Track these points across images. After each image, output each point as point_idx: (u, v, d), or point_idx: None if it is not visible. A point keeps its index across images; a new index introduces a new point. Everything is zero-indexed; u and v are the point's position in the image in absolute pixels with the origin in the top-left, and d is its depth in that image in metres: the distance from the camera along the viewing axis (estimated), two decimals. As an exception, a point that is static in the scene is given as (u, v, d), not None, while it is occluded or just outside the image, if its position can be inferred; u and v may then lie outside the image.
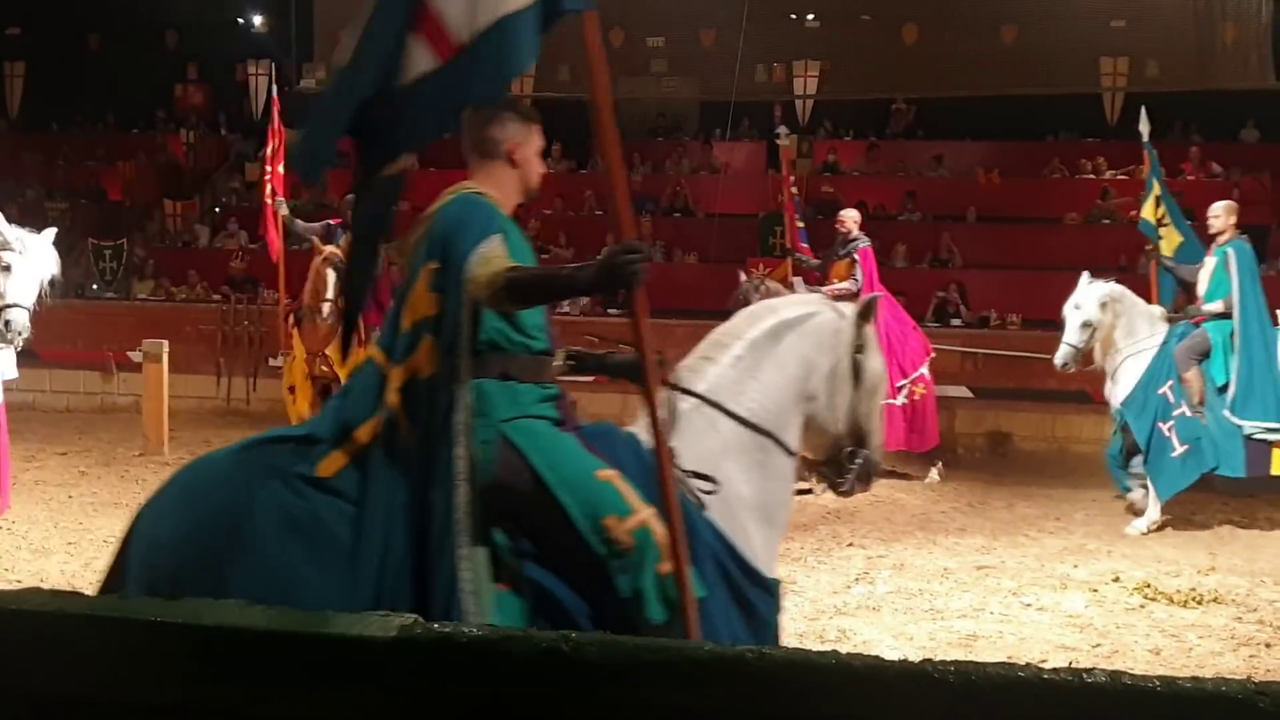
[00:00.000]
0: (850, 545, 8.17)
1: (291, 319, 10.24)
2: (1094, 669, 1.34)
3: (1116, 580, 7.26)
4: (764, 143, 18.98)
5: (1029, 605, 6.77)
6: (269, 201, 11.18)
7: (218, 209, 18.33)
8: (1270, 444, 8.49)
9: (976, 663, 1.34)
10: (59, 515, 8.48)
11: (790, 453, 3.59)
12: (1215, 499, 9.27)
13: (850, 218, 11.04)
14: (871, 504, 9.69)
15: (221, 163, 19.93)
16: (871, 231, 16.43)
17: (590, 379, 3.81)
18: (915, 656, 4.48)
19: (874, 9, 19.41)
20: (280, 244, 11.12)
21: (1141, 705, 1.32)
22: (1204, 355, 8.70)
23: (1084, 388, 11.67)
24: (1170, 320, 9.02)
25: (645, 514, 2.93)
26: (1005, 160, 17.62)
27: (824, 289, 10.52)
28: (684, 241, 16.39)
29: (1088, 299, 9.04)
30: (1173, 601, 6.85)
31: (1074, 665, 4.95)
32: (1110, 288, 9.07)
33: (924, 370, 10.62)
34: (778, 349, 3.63)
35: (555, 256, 16.20)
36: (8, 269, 7.07)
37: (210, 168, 19.66)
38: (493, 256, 2.92)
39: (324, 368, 9.80)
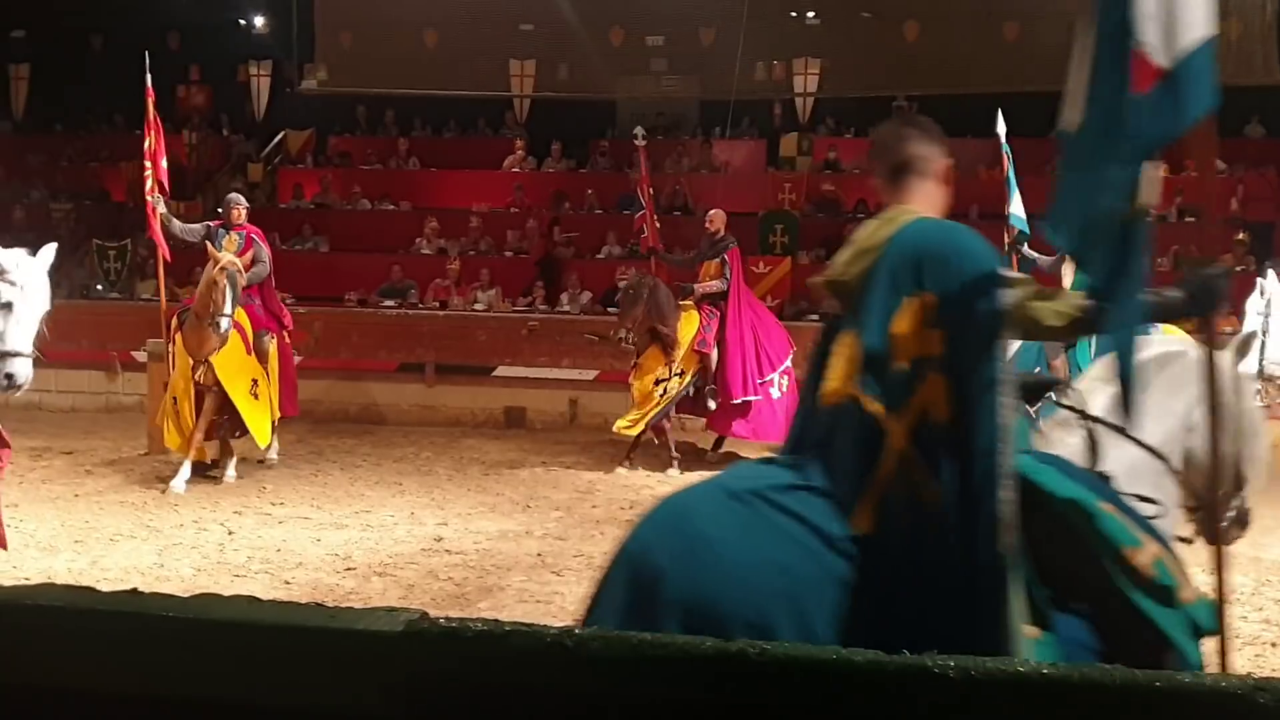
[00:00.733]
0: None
1: (175, 322, 9.88)
2: (1094, 664, 1.36)
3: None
4: (764, 141, 19.02)
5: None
6: (149, 199, 10.63)
7: (220, 209, 18.35)
8: None
9: (976, 658, 1.36)
10: (65, 514, 8.52)
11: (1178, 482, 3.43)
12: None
13: (719, 217, 11.36)
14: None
15: (224, 163, 19.96)
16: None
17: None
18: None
19: (874, 6, 19.42)
20: (165, 244, 10.75)
21: (1142, 700, 1.34)
22: (1071, 344, 9.20)
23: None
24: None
25: (1154, 546, 2.76)
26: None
27: (696, 286, 11.03)
28: (683, 240, 16.37)
29: None
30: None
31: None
32: None
33: (789, 363, 11.12)
34: (1164, 376, 3.49)
35: (555, 254, 16.26)
36: (7, 307, 5.87)
37: (213, 168, 19.69)
38: (1036, 289, 2.74)
39: (204, 377, 9.57)
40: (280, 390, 10.37)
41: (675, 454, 10.77)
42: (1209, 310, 2.90)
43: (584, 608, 2.74)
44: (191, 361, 9.57)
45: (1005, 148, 11.32)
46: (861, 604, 2.55)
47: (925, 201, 3.00)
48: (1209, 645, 2.84)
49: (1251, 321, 7.38)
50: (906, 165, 3.00)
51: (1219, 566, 2.76)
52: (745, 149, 18.92)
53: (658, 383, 10.60)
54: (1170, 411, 3.43)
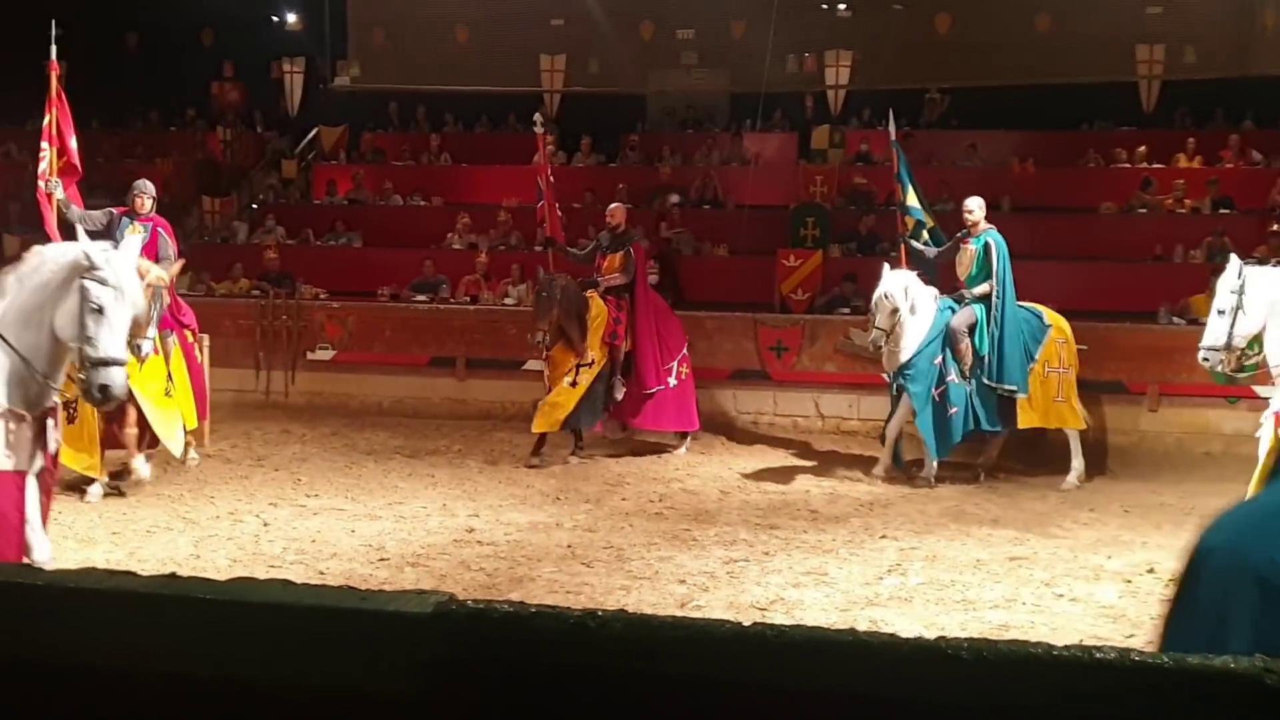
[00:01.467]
0: (883, 537, 8.21)
1: None
2: (1104, 645, 1.38)
3: (1151, 571, 7.25)
4: (795, 134, 18.98)
5: (1061, 596, 6.79)
6: (41, 184, 9.61)
7: (255, 205, 18.52)
8: (1015, 402, 10.04)
9: (989, 640, 1.39)
10: (103, 506, 8.66)
11: None
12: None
13: (620, 211, 11.44)
14: (904, 496, 9.73)
15: (258, 159, 20.14)
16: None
17: None
18: (945, 644, 4.50)
19: (906, -2, 19.37)
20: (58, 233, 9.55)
21: (1150, 681, 1.36)
22: (972, 329, 10.08)
23: (1119, 378, 11.65)
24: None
25: None
26: (1040, 150, 17.51)
27: (601, 279, 11.04)
28: (714, 233, 16.40)
29: (892, 286, 10.12)
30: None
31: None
32: (909, 275, 10.31)
33: (685, 352, 11.47)
34: None
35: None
36: (99, 311, 5.14)
37: (247, 164, 19.86)
38: None
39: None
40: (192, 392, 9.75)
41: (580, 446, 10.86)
42: None
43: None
44: None
45: (894, 144, 11.97)
46: None
47: None
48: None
49: (1223, 299, 7.57)
50: None
51: None
52: (776, 142, 18.89)
53: (567, 374, 10.63)
54: None
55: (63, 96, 10.30)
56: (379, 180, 18.09)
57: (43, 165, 9.72)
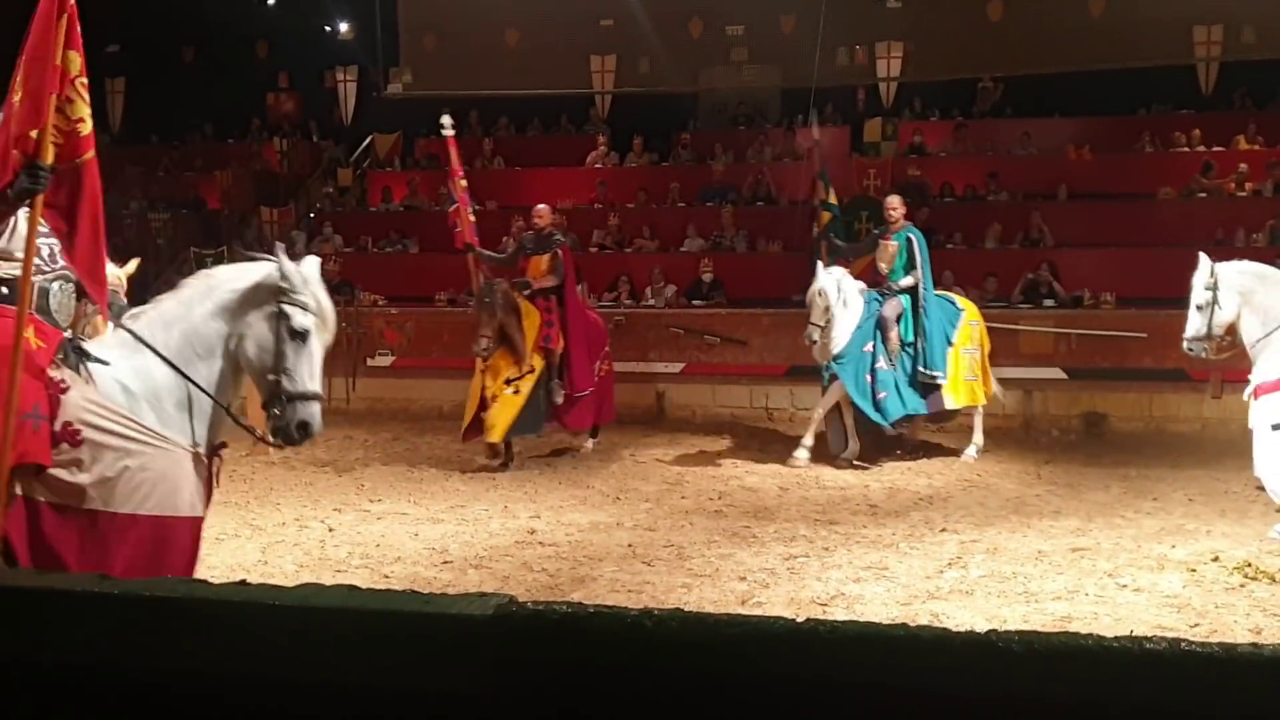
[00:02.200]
0: (943, 530, 8.17)
1: None
2: (1153, 636, 1.40)
3: (1216, 560, 7.16)
4: (847, 127, 18.89)
5: (1125, 586, 6.72)
6: None
7: (312, 214, 18.76)
8: (941, 387, 10.69)
9: (1040, 632, 1.41)
10: (171, 515, 8.80)
11: None
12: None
13: (546, 213, 11.24)
14: (964, 489, 9.68)
15: (315, 169, 20.40)
16: (961, 212, 16.42)
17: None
18: (1007, 637, 4.48)
19: (956, -13, 19.20)
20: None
21: (1201, 670, 1.38)
22: (899, 318, 10.70)
23: (1181, 366, 11.50)
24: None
25: None
26: (1096, 136, 17.31)
27: (532, 282, 10.80)
28: (768, 230, 16.38)
29: (826, 283, 10.53)
30: (1275, 580, 6.74)
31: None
32: (839, 271, 10.75)
33: (606, 349, 11.53)
34: None
35: (640, 249, 16.34)
36: (301, 337, 4.52)
37: (304, 174, 20.14)
38: None
39: None
40: None
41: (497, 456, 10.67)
42: None
43: None
44: None
45: (815, 142, 12.85)
46: None
47: None
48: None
49: (1200, 295, 8.32)
50: None
51: None
52: (828, 136, 18.79)
53: (509, 382, 10.48)
54: None
55: None
56: (434, 186, 18.26)
57: None
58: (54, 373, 4.26)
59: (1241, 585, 6.70)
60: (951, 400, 10.80)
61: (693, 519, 8.61)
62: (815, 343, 10.46)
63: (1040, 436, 12.31)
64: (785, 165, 17.55)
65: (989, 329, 11.48)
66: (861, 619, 6.04)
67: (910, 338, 10.72)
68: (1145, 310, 12.30)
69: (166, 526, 4.31)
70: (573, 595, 6.66)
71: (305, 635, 1.52)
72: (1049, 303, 13.72)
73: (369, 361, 13.65)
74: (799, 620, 1.46)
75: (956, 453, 11.02)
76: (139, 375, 4.40)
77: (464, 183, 11.53)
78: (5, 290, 4.41)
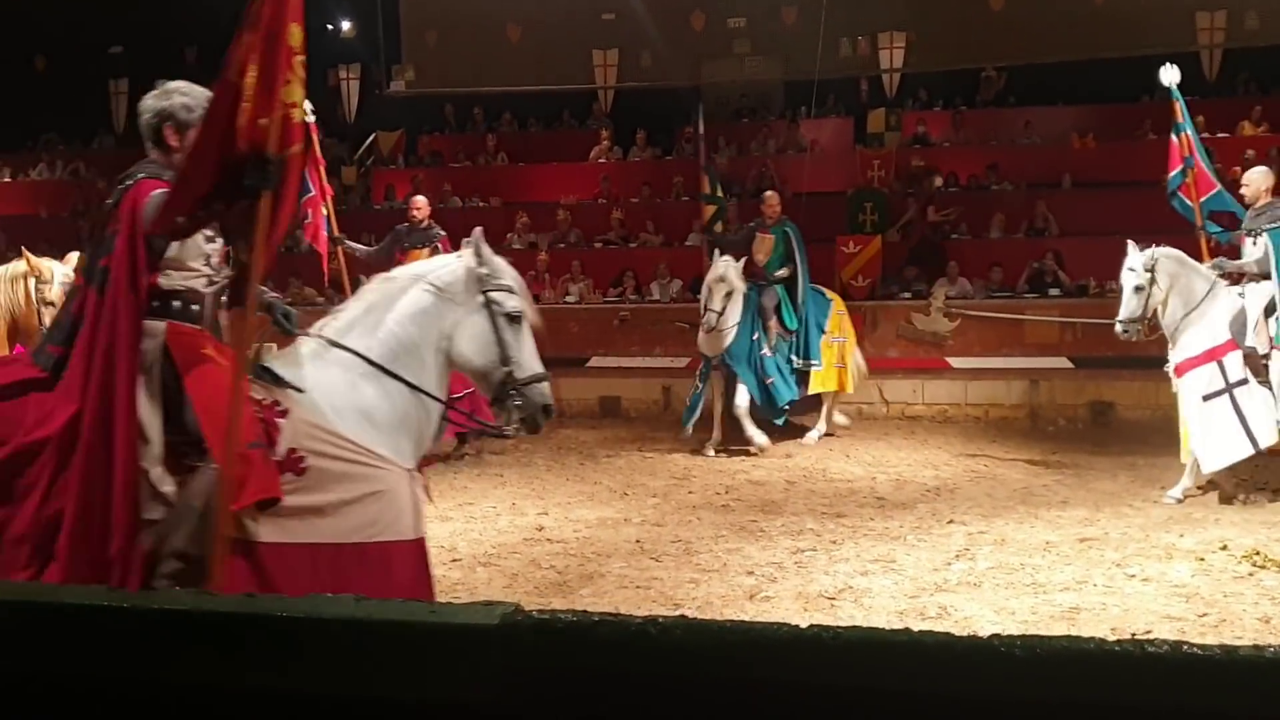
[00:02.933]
0: (950, 522, 8.18)
1: None
2: (1155, 639, 1.41)
3: (1224, 548, 7.17)
4: (851, 118, 18.89)
5: (1133, 576, 6.72)
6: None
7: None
8: (807, 374, 11.27)
9: (1042, 636, 1.42)
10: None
11: None
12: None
13: (424, 205, 10.89)
14: (972, 480, 9.69)
15: (318, 167, 20.38)
16: (966, 202, 16.40)
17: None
18: (1016, 631, 4.52)
19: (959, -24, 19.16)
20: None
21: (1203, 673, 1.39)
22: (777, 309, 11.25)
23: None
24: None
25: None
26: (1100, 124, 17.30)
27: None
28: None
29: (726, 271, 10.91)
30: (1283, 568, 6.75)
31: (1181, 635, 4.94)
32: (731, 259, 11.04)
33: None
34: None
35: (644, 244, 16.35)
36: (517, 320, 4.38)
37: (307, 172, 20.11)
38: None
39: None
40: None
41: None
42: None
43: None
44: None
45: (699, 136, 13.18)
46: None
47: None
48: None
49: (1140, 278, 8.69)
50: None
51: None
52: (832, 127, 18.82)
53: None
54: None
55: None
56: (437, 183, 18.28)
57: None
58: (259, 394, 3.88)
59: (1250, 574, 6.70)
60: (818, 386, 11.35)
61: (700, 514, 8.63)
62: (714, 329, 10.78)
63: (1047, 426, 12.32)
64: (789, 157, 17.55)
65: (993, 319, 11.49)
66: (866, 621, 6.05)
67: (795, 326, 11.29)
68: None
69: (393, 552, 3.92)
70: (581, 592, 6.69)
71: (312, 647, 1.54)
72: (1054, 292, 13.71)
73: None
74: (803, 626, 1.47)
75: (964, 444, 11.03)
76: (344, 390, 4.05)
77: (323, 171, 10.97)
78: (178, 304, 3.96)
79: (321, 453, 3.85)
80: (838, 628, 1.45)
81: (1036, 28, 18.25)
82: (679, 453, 10.98)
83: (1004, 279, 14.17)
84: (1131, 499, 8.73)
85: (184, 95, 4.06)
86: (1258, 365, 8.44)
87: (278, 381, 3.96)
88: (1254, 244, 8.68)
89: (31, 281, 7.01)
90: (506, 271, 4.37)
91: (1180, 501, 8.53)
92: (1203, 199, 9.35)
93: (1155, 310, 8.69)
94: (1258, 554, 6.98)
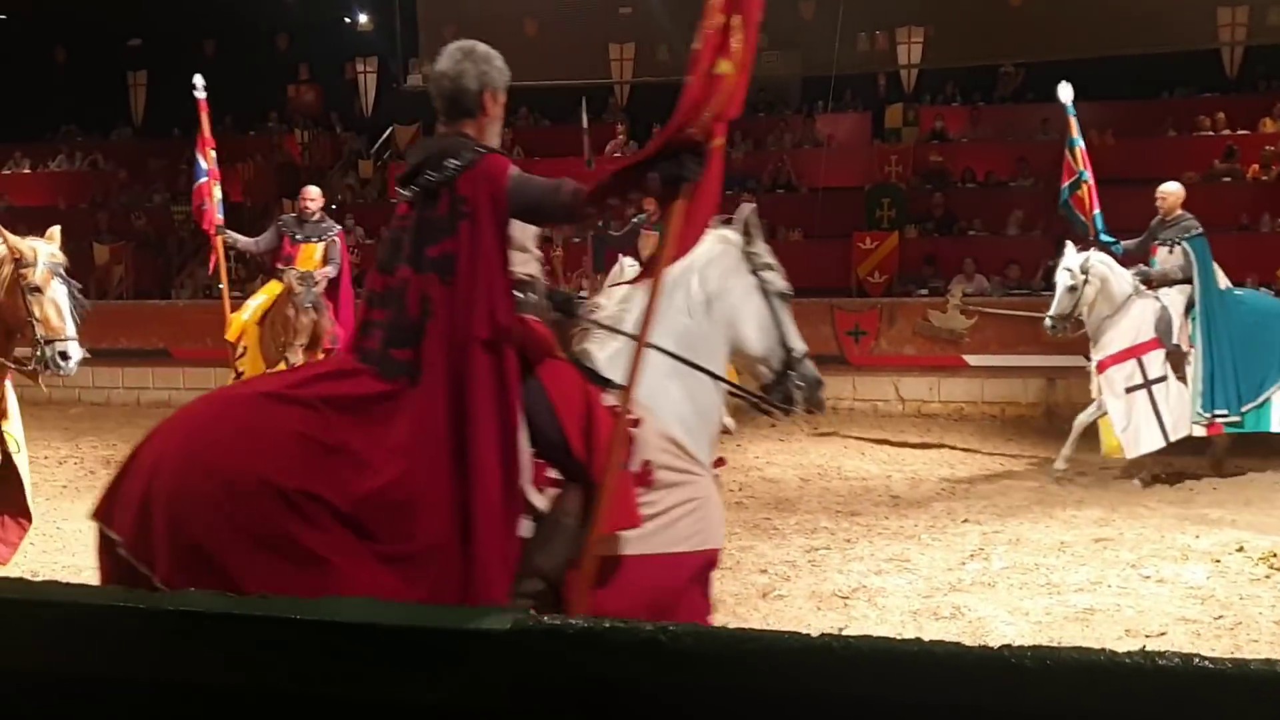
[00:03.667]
0: (965, 521, 8.16)
1: None
2: (1167, 652, 1.40)
3: (1240, 550, 7.14)
4: (868, 113, 18.84)
5: (1148, 578, 6.70)
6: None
7: (334, 206, 18.80)
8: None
9: (1052, 647, 1.42)
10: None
11: None
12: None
13: (318, 198, 10.28)
14: (986, 479, 9.67)
15: (336, 160, 20.47)
16: (983, 198, 16.35)
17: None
18: (1030, 632, 4.53)
19: (977, -29, 19.07)
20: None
21: (1213, 687, 1.38)
22: None
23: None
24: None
25: None
26: (1119, 120, 17.20)
27: (316, 273, 9.68)
28: (788, 218, 16.36)
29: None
30: (1300, 571, 6.72)
31: (1196, 638, 4.89)
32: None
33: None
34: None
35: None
36: (784, 297, 4.14)
37: (325, 165, 20.20)
38: None
39: None
40: None
41: None
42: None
43: None
44: None
45: (585, 132, 13.37)
46: None
47: None
48: None
49: (1075, 277, 9.31)
50: None
51: None
52: (849, 122, 18.78)
53: None
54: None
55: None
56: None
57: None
58: (611, 401, 3.55)
59: (1267, 576, 6.67)
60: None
61: (714, 510, 8.63)
62: None
63: (1063, 425, 12.26)
64: (805, 152, 17.52)
65: (1011, 316, 11.45)
66: (880, 621, 6.04)
67: None
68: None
69: (704, 560, 3.66)
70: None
71: (325, 650, 1.54)
72: (1072, 289, 13.64)
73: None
74: (813, 635, 1.47)
75: (980, 443, 10.99)
76: (659, 391, 3.72)
77: (214, 153, 10.50)
78: (518, 294, 3.56)
79: (667, 465, 3.61)
80: (848, 637, 1.46)
81: (1055, 23, 18.15)
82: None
83: (1021, 276, 14.12)
84: (1148, 499, 8.70)
85: (496, 59, 3.83)
86: (1179, 362, 9.20)
87: (607, 384, 3.68)
88: (1170, 252, 9.47)
89: (11, 267, 5.87)
90: (761, 246, 4.10)
91: (1064, 472, 9.35)
92: (1095, 212, 9.91)
93: (1083, 310, 9.36)
94: (1275, 556, 6.95)
